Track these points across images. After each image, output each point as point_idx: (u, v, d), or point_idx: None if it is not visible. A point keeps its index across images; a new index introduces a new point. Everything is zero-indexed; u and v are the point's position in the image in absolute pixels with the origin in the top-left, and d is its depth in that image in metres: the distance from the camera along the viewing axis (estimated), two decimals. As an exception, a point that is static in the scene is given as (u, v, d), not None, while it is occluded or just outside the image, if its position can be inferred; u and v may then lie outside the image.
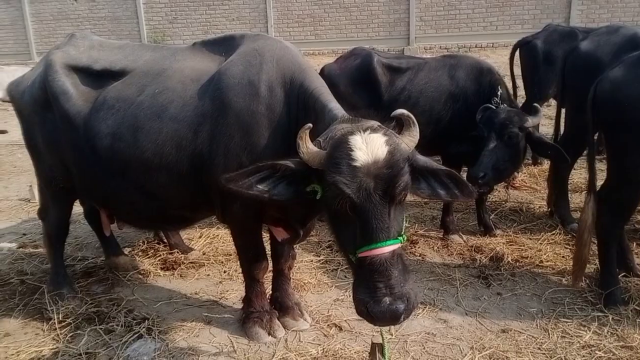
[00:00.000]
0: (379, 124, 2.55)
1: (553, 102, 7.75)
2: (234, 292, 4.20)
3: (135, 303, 4.11)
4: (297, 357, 3.36)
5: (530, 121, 4.55)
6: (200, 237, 5.33)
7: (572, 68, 4.93)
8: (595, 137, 6.87)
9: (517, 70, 7.30)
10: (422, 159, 2.63)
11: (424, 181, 2.66)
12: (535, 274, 4.36)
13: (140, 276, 4.57)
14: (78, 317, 3.86)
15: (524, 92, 7.53)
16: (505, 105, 4.72)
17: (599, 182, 3.92)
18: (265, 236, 3.78)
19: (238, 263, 3.78)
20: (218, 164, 3.20)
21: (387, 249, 2.34)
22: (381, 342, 2.91)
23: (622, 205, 3.78)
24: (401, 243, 2.44)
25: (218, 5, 17.92)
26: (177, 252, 4.91)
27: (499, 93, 4.80)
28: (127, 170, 3.50)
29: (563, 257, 4.60)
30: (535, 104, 4.90)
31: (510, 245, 4.90)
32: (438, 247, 4.96)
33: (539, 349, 3.40)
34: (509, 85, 6.23)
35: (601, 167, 6.29)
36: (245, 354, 3.44)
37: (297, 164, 2.61)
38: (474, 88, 4.95)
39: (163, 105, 3.38)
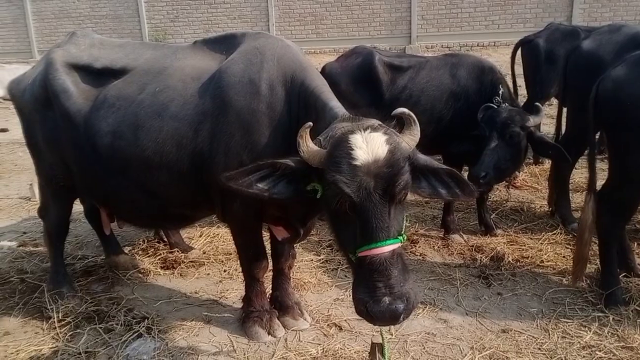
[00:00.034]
0: (380, 122, 2.54)
1: (555, 101, 7.74)
2: (234, 291, 4.20)
3: (135, 302, 4.11)
4: (297, 356, 3.36)
5: (532, 120, 4.53)
6: (200, 236, 5.33)
7: (574, 67, 4.91)
8: (597, 137, 6.92)
9: (519, 69, 7.28)
10: (422, 157, 2.62)
11: (425, 180, 2.65)
12: (536, 274, 4.35)
13: (140, 275, 4.56)
14: (78, 315, 3.86)
15: (524, 91, 7.52)
16: (506, 104, 4.70)
17: (600, 182, 3.90)
18: (266, 235, 3.78)
19: (238, 262, 3.77)
20: (218, 162, 3.20)
21: (386, 248, 2.33)
22: (381, 342, 2.90)
23: (623, 204, 3.77)
24: (401, 242, 2.43)
25: (219, 3, 17.91)
26: (177, 251, 4.90)
27: (500, 92, 4.78)
28: (128, 168, 3.50)
29: (564, 257, 4.59)
30: (537, 103, 4.89)
31: (511, 245, 4.89)
32: (438, 247, 4.95)
33: (540, 349, 3.39)
34: (511, 84, 6.22)
35: (602, 167, 6.30)
36: (244, 354, 3.43)
37: (297, 163, 2.60)
38: (475, 87, 4.94)
39: (164, 103, 3.37)
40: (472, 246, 4.87)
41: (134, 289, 4.32)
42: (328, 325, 3.71)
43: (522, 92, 7.85)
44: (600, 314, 3.70)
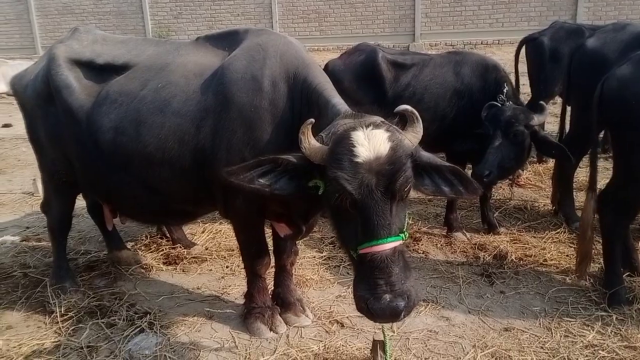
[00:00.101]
0: (382, 119, 2.53)
1: (559, 99, 7.71)
2: (236, 288, 4.20)
3: (138, 297, 4.11)
4: (299, 353, 3.35)
5: (536, 119, 4.52)
6: (203, 232, 5.33)
7: (578, 65, 4.89)
8: (601, 136, 6.90)
9: (523, 68, 7.24)
10: (425, 155, 2.61)
11: (428, 178, 2.64)
12: (539, 273, 4.33)
13: (142, 270, 4.57)
14: (80, 310, 3.86)
15: (527, 90, 7.48)
16: (511, 102, 4.69)
17: (605, 181, 3.89)
18: (268, 232, 3.78)
19: (240, 258, 3.77)
20: (220, 158, 3.19)
21: (388, 245, 2.33)
22: (383, 339, 2.90)
23: (627, 203, 3.76)
24: (403, 240, 2.42)
25: (223, 0, 17.91)
26: (180, 247, 4.90)
27: (504, 90, 4.76)
28: (130, 164, 3.50)
29: (567, 255, 4.57)
30: (541, 102, 4.87)
31: (514, 243, 4.87)
32: (441, 245, 4.94)
33: (542, 348, 3.38)
34: (514, 82, 6.20)
35: (606, 166, 6.28)
36: (246, 350, 3.43)
37: (299, 159, 2.60)
38: (479, 85, 4.92)
39: (166, 99, 3.37)
40: (475, 244, 4.86)
41: (136, 284, 4.32)
42: (330, 322, 3.70)
43: (525, 90, 7.82)
44: (603, 313, 3.69)
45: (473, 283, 4.23)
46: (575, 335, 3.48)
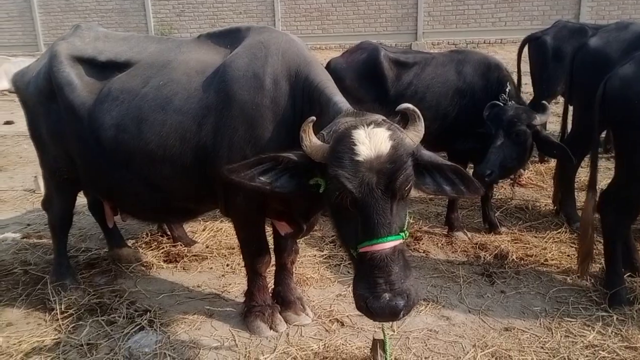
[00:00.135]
0: (384, 118, 2.53)
1: (561, 99, 7.68)
2: (237, 286, 4.20)
3: (138, 295, 4.11)
4: (299, 351, 3.35)
5: (539, 119, 4.51)
6: (203, 230, 5.33)
7: (580, 65, 4.87)
8: (603, 135, 6.88)
9: (525, 67, 7.22)
10: (427, 153, 2.60)
11: (429, 176, 2.63)
12: (539, 273, 4.33)
13: (143, 268, 4.57)
14: (80, 308, 3.87)
15: (529, 89, 7.46)
16: (513, 102, 4.67)
17: (606, 181, 3.88)
18: (269, 230, 3.77)
19: (241, 257, 3.77)
20: (222, 156, 3.19)
21: (388, 244, 2.32)
22: (383, 338, 2.90)
23: (630, 203, 3.75)
24: (403, 239, 2.42)
25: (225, -2, 17.90)
26: (180, 245, 4.90)
27: (507, 90, 4.75)
28: (131, 161, 3.50)
29: (568, 255, 4.56)
30: (544, 102, 4.85)
31: (515, 243, 4.86)
32: (442, 244, 4.94)
33: (542, 348, 3.37)
34: (516, 81, 6.17)
35: (608, 166, 6.26)
36: (246, 348, 3.43)
37: (299, 157, 2.59)
38: (481, 84, 4.90)
39: (167, 97, 3.36)
40: (476, 244, 4.85)
41: (136, 282, 4.33)
42: (330, 320, 3.70)
43: (527, 89, 7.80)
44: (604, 314, 3.68)
45: (474, 282, 4.22)
46: (575, 336, 3.47)
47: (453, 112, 4.96)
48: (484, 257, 4.59)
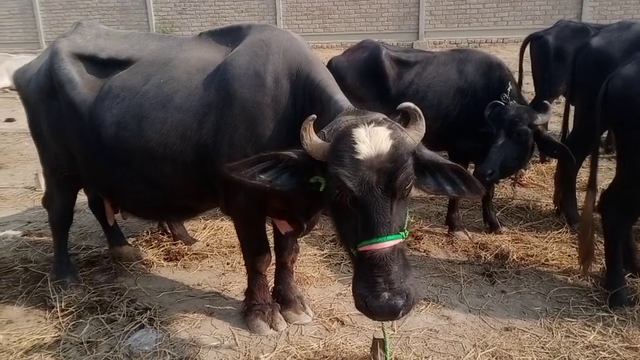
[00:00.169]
0: (385, 116, 2.52)
1: (563, 99, 7.67)
2: (237, 284, 4.19)
3: (138, 293, 4.11)
4: (299, 350, 3.35)
5: (540, 119, 4.50)
6: (204, 228, 5.33)
7: (582, 65, 4.86)
8: (604, 136, 6.87)
9: (527, 67, 7.21)
10: (428, 153, 2.60)
11: (430, 176, 2.62)
12: (540, 273, 4.32)
13: (143, 266, 4.56)
14: (80, 305, 3.87)
15: (531, 89, 7.44)
16: (514, 101, 4.66)
17: (608, 181, 3.88)
18: (269, 229, 3.77)
19: (241, 255, 3.77)
20: (222, 154, 3.18)
21: (387, 243, 2.32)
22: (383, 337, 2.89)
23: (631, 203, 3.75)
24: (403, 238, 2.41)
25: (227, -3, 17.90)
26: (181, 243, 4.90)
27: (508, 89, 4.74)
28: (132, 159, 3.49)
29: (569, 255, 4.55)
30: (545, 101, 4.84)
31: (516, 242, 4.85)
32: (443, 244, 4.93)
33: (543, 348, 3.37)
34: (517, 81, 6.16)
35: (610, 166, 6.25)
36: (246, 346, 3.43)
37: (300, 155, 2.59)
38: (483, 83, 4.89)
39: (168, 94, 3.36)
40: (477, 243, 4.85)
41: (136, 280, 4.32)
42: (330, 319, 3.70)
43: (529, 89, 7.78)
44: (604, 314, 3.68)
45: (474, 282, 4.21)
46: (576, 336, 3.47)
47: (454, 112, 4.95)
48: (484, 257, 4.59)
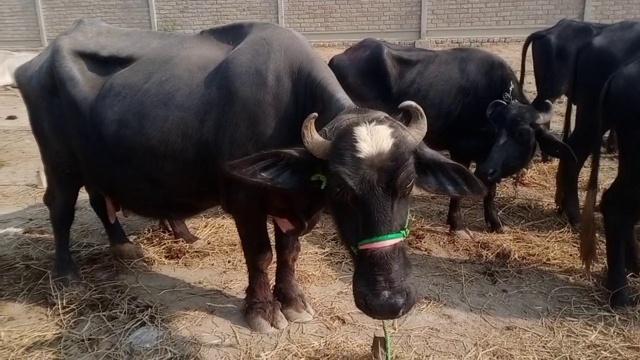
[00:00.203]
0: (386, 115, 2.52)
1: (564, 98, 7.65)
2: (238, 282, 4.19)
3: (139, 291, 4.12)
4: (299, 348, 3.35)
5: (542, 118, 4.49)
6: (205, 226, 5.33)
7: (584, 64, 4.85)
8: (606, 135, 6.86)
9: (529, 66, 7.20)
10: (429, 152, 2.59)
11: (432, 175, 2.62)
12: (541, 272, 4.31)
13: (144, 264, 4.57)
14: (82, 303, 3.87)
15: (532, 88, 7.43)
16: (516, 101, 4.66)
17: (610, 181, 3.87)
18: (270, 227, 3.77)
19: (242, 253, 3.77)
20: (224, 152, 3.18)
21: (388, 242, 2.31)
22: (384, 336, 2.89)
23: (633, 202, 3.74)
24: (403, 237, 2.41)
25: (229, -6, 17.89)
26: (182, 241, 4.91)
27: (510, 88, 4.73)
28: (133, 157, 3.49)
29: (570, 255, 4.54)
30: (547, 101, 4.84)
31: (518, 242, 4.85)
32: (444, 243, 4.93)
33: (544, 347, 3.36)
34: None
35: (612, 166, 6.24)
36: (247, 344, 3.43)
37: (301, 153, 2.59)
38: (484, 82, 4.89)
39: (169, 92, 3.36)
40: (478, 242, 4.84)
41: (138, 278, 4.33)
42: (331, 318, 3.70)
43: (531, 88, 7.77)
44: (606, 314, 3.67)
45: (475, 281, 4.21)
46: (577, 335, 3.46)
47: (456, 111, 4.95)
48: (486, 256, 4.59)
